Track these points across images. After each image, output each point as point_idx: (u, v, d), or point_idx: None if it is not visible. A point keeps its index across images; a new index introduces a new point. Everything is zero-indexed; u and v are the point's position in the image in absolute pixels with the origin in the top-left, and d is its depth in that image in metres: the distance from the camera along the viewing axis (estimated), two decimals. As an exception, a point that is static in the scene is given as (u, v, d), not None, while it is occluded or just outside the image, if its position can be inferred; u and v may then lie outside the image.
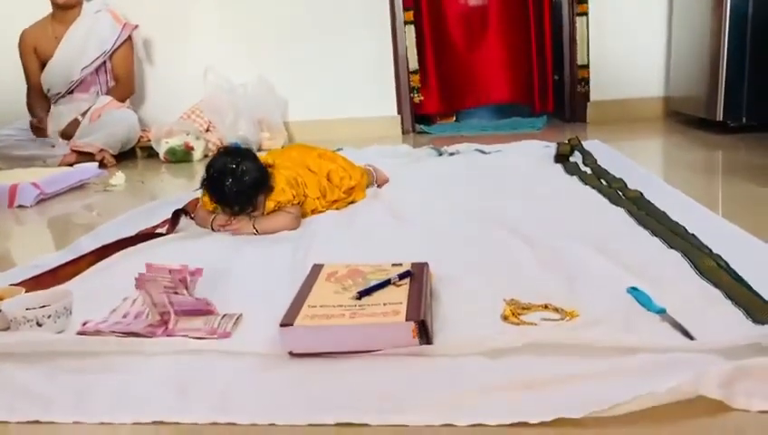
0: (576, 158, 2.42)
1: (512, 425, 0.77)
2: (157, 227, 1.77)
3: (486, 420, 0.78)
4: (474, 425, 0.78)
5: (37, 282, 1.32)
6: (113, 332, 1.08)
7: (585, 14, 3.49)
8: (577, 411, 0.77)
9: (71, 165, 3.03)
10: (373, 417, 0.80)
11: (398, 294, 1.08)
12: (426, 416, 0.79)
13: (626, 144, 2.72)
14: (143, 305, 1.16)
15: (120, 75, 3.55)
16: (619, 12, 3.50)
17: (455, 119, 4.11)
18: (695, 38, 3.04)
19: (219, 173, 1.63)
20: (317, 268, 1.24)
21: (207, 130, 3.39)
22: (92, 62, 3.48)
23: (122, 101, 3.52)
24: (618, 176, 2.02)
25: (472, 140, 3.02)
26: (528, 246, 1.39)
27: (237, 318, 1.11)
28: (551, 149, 2.63)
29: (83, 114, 3.42)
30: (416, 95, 3.76)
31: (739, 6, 2.69)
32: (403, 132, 3.75)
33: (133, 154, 3.52)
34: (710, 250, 1.28)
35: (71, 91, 3.53)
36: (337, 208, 1.89)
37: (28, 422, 0.86)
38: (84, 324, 1.12)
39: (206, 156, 3.33)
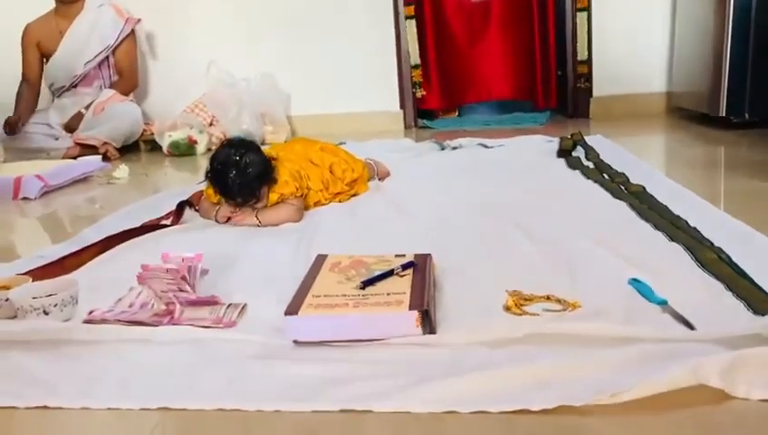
0: (579, 152, 2.42)
1: (514, 412, 0.78)
2: (161, 218, 1.78)
3: (489, 407, 0.79)
4: (476, 412, 0.79)
5: (44, 272, 1.33)
6: (119, 320, 1.09)
7: (585, 8, 3.49)
8: (578, 399, 0.78)
9: (74, 158, 3.04)
10: (377, 404, 0.81)
11: (402, 285, 1.09)
12: (429, 404, 0.80)
13: (628, 140, 2.72)
14: (148, 296, 1.17)
15: (124, 69, 3.56)
16: (622, 7, 3.50)
17: (457, 114, 4.11)
18: (698, 33, 3.04)
19: (223, 165, 1.64)
20: (321, 259, 1.25)
21: (211, 124, 3.40)
22: (95, 57, 3.48)
23: (126, 94, 3.53)
24: (620, 170, 2.02)
25: (474, 135, 3.03)
26: (530, 238, 1.40)
27: (242, 308, 1.12)
28: (553, 143, 2.64)
29: (87, 107, 3.43)
30: (417, 90, 3.76)
31: (743, 1, 2.69)
32: (405, 127, 3.76)
33: (136, 147, 3.53)
34: (711, 243, 1.29)
35: (74, 85, 3.54)
36: (340, 201, 1.90)
37: (36, 408, 0.87)
38: (90, 313, 1.13)
39: (209, 150, 3.34)
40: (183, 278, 1.11)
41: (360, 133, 3.34)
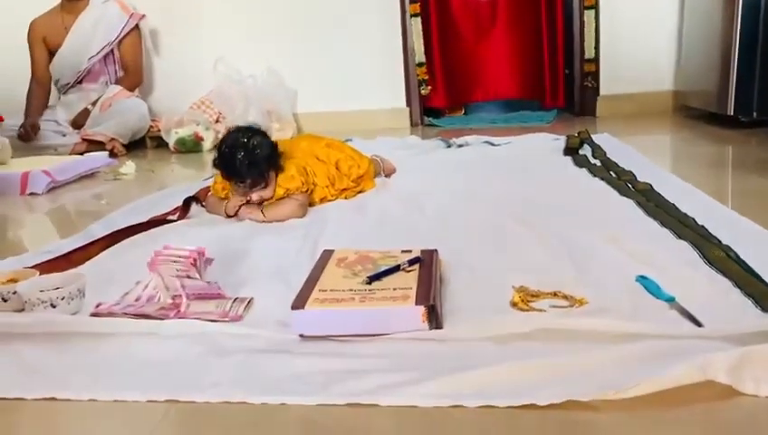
0: (585, 151, 2.41)
1: (520, 407, 0.78)
2: (168, 214, 1.79)
3: (495, 402, 0.79)
4: (483, 407, 0.78)
5: (51, 265, 1.33)
6: (126, 314, 1.09)
7: (593, 6, 3.47)
8: (585, 395, 0.78)
9: (81, 154, 3.05)
10: (383, 398, 0.81)
11: (408, 280, 1.09)
12: (435, 398, 0.80)
13: (636, 138, 2.71)
14: (155, 289, 1.17)
15: (129, 64, 3.57)
16: (630, 5, 3.49)
17: (463, 112, 4.10)
18: (706, 32, 3.03)
19: (231, 148, 1.65)
20: (327, 254, 1.25)
21: (217, 121, 3.41)
22: (99, 52, 3.49)
23: (131, 90, 3.54)
24: (627, 168, 2.01)
25: (481, 133, 3.02)
26: (537, 234, 1.40)
27: (249, 302, 1.12)
28: (560, 141, 2.63)
29: (93, 104, 3.44)
30: (423, 88, 3.75)
31: (751, 0, 2.67)
32: (411, 125, 3.76)
33: (143, 144, 3.53)
34: (719, 241, 1.28)
35: (80, 81, 3.55)
36: (346, 197, 1.90)
37: (44, 399, 0.87)
38: (97, 307, 1.13)
39: (215, 146, 3.33)
40: (193, 264, 1.11)
41: (366, 131, 3.34)
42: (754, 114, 2.74)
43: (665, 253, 1.24)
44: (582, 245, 1.31)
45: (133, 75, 3.58)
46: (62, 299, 1.12)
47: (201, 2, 3.73)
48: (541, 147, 2.60)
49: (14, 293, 1.14)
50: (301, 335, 0.99)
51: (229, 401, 0.83)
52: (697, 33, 3.16)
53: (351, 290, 1.06)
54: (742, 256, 1.18)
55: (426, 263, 1.16)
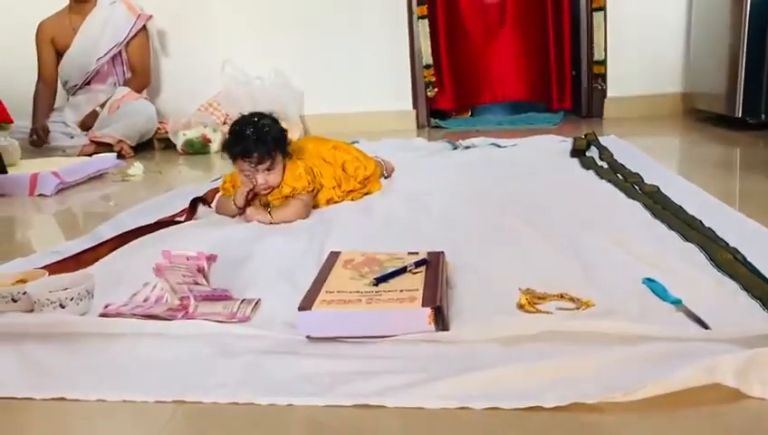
0: (592, 153, 2.41)
1: (527, 409, 0.78)
2: (176, 215, 1.79)
3: (502, 403, 0.79)
4: (489, 409, 0.79)
5: (60, 266, 1.34)
6: (134, 315, 1.10)
7: (602, 8, 3.47)
8: (592, 397, 0.78)
9: (89, 155, 3.07)
10: (390, 399, 0.81)
11: (415, 282, 1.09)
12: (442, 399, 0.80)
13: (643, 140, 2.70)
14: (163, 290, 1.18)
15: (136, 66, 3.59)
16: (637, 7, 3.48)
17: (470, 114, 4.10)
18: (714, 33, 3.02)
19: (241, 125, 1.70)
20: (334, 255, 1.25)
21: (224, 123, 3.42)
22: (107, 53, 3.52)
23: (139, 91, 3.56)
24: (634, 171, 2.01)
25: (487, 135, 3.03)
26: (543, 236, 1.40)
27: (256, 303, 1.13)
28: (567, 144, 2.63)
29: (102, 105, 3.47)
30: (429, 90, 3.76)
31: (759, 2, 2.67)
32: (418, 127, 3.76)
33: (151, 145, 3.55)
34: (726, 243, 1.28)
35: (88, 83, 3.57)
36: (353, 199, 1.91)
37: (53, 399, 0.88)
38: (106, 307, 1.14)
39: (223, 148, 3.36)
40: (199, 270, 1.11)
41: (373, 132, 3.35)
42: (762, 116, 2.73)
43: (672, 255, 1.24)
44: (589, 247, 1.31)
45: (141, 76, 3.60)
46: (71, 300, 1.12)
47: (209, 3, 3.75)
48: (547, 149, 2.59)
49: (24, 293, 1.15)
50: (308, 336, 0.99)
51: (237, 401, 0.84)
52: (705, 35, 3.15)
53: (358, 292, 1.06)
54: (749, 259, 1.18)
55: (432, 265, 1.16)
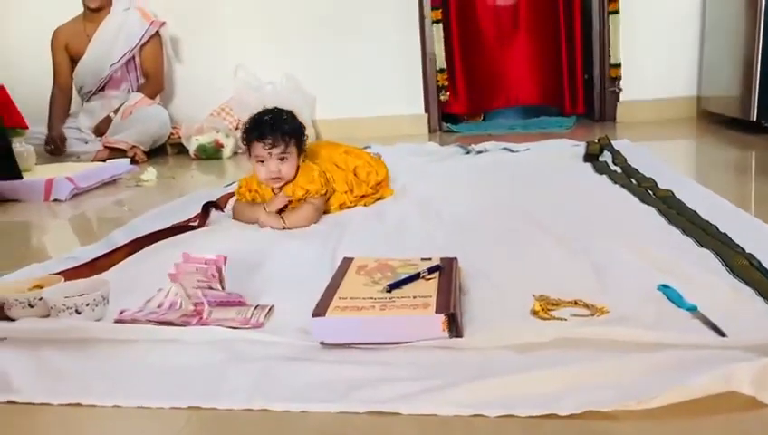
0: (605, 157, 2.40)
1: (541, 416, 0.78)
2: (189, 220, 1.80)
3: (516, 411, 0.79)
4: (504, 416, 0.78)
5: (76, 272, 1.35)
6: (149, 320, 1.11)
7: (617, 11, 3.46)
8: (607, 404, 0.77)
9: (103, 160, 3.09)
10: (404, 406, 0.81)
11: (428, 288, 1.09)
12: (456, 406, 0.80)
13: (656, 144, 2.69)
14: (177, 296, 1.19)
15: (150, 72, 3.62)
16: (650, 10, 3.47)
17: (482, 118, 4.10)
18: (728, 36, 3.00)
19: (260, 114, 1.76)
20: (347, 261, 1.25)
21: (236, 128, 3.43)
22: (120, 59, 3.55)
23: (152, 97, 3.58)
24: (648, 175, 2.00)
25: (499, 139, 3.02)
26: (557, 242, 1.40)
27: (269, 309, 1.13)
28: (580, 148, 2.62)
29: (115, 111, 3.49)
30: (443, 94, 3.76)
31: (774, 4, 2.65)
32: (430, 131, 3.76)
33: (163, 151, 3.58)
34: (742, 249, 1.27)
35: (102, 89, 3.60)
36: (365, 204, 1.91)
37: (69, 405, 0.88)
38: (121, 313, 1.15)
39: (235, 153, 3.39)
40: (214, 276, 1.12)
41: (385, 137, 3.35)
42: (777, 120, 2.71)
43: (687, 261, 1.23)
44: (603, 253, 1.30)
45: (154, 82, 3.62)
46: (87, 305, 1.13)
47: (221, 9, 3.77)
48: (560, 153, 2.59)
49: (41, 299, 1.16)
50: (321, 343, 1.00)
51: (251, 407, 0.84)
52: (719, 38, 3.14)
53: (372, 298, 1.06)
54: (765, 265, 1.17)
55: (445, 271, 1.16)
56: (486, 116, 4.13)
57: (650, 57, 3.50)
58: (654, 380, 0.82)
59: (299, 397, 0.85)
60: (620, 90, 3.54)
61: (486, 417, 0.79)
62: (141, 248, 1.53)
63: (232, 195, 1.96)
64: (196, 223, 1.77)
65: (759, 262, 1.18)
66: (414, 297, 1.05)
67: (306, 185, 1.74)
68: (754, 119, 2.75)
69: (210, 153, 3.33)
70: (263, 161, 1.71)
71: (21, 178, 2.48)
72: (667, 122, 3.38)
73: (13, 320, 1.15)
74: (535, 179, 2.15)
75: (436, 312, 0.98)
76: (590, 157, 2.40)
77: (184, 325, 1.08)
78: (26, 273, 1.44)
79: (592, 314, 1.03)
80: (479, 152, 2.76)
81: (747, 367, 0.79)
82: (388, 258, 1.25)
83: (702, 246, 1.32)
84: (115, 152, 3.29)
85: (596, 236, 1.41)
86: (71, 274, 1.33)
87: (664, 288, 1.10)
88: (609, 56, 3.52)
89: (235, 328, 1.06)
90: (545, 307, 1.05)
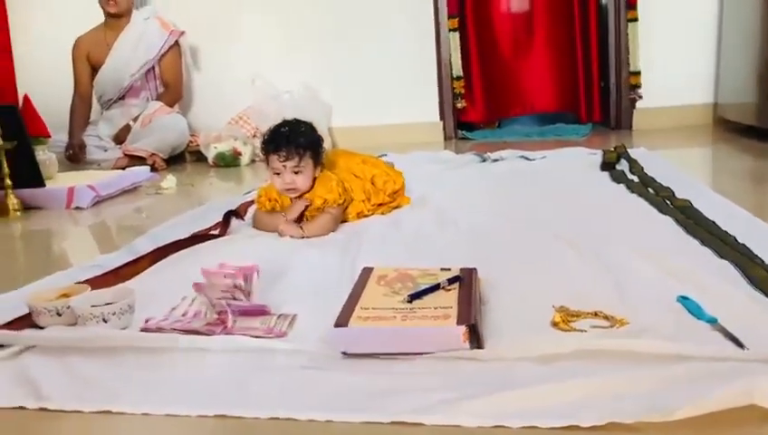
0: (622, 166, 2.40)
1: (564, 428, 0.79)
2: (210, 229, 1.83)
3: (538, 422, 0.79)
4: (526, 427, 0.79)
5: (101, 280, 1.38)
6: (174, 329, 1.13)
7: (636, 19, 3.45)
8: (629, 416, 0.78)
9: (123, 168, 3.13)
10: (427, 417, 0.82)
11: (448, 299, 1.10)
12: (479, 417, 0.81)
13: (673, 153, 2.69)
14: (201, 305, 1.21)
15: (169, 81, 3.66)
16: (667, 17, 3.46)
17: (497, 125, 4.11)
18: (745, 44, 2.99)
19: (278, 125, 1.78)
20: (367, 271, 1.27)
21: (254, 136, 3.47)
22: (140, 68, 3.59)
23: (171, 105, 3.62)
24: (665, 184, 2.00)
25: (515, 147, 3.03)
26: (576, 253, 1.40)
27: (292, 319, 1.15)
28: (596, 156, 2.62)
29: (135, 119, 3.54)
30: (459, 101, 3.77)
31: (792, 12, 2.64)
32: (445, 138, 3.78)
33: (182, 158, 3.62)
34: (762, 260, 1.27)
35: (122, 97, 3.65)
36: (382, 213, 1.93)
37: (99, 412, 0.90)
38: (147, 322, 1.17)
39: (253, 161, 3.42)
40: (237, 287, 1.14)
41: (400, 144, 3.37)
42: (796, 128, 2.70)
43: (706, 272, 1.23)
44: (622, 263, 1.30)
45: (173, 91, 3.67)
46: (114, 314, 1.16)
47: (239, 19, 3.81)
48: (577, 162, 2.59)
49: (68, 307, 1.18)
50: (343, 353, 1.01)
51: (277, 416, 0.86)
52: (736, 46, 3.13)
53: (393, 308, 1.07)
54: (785, 276, 1.17)
55: (465, 282, 1.17)
56: (502, 123, 4.14)
57: (667, 64, 3.49)
58: (675, 392, 0.82)
59: (323, 406, 0.86)
60: (640, 97, 3.53)
61: (508, 428, 0.80)
62: (164, 257, 1.55)
63: (251, 203, 1.99)
64: (217, 232, 1.79)
65: (779, 273, 1.19)
66: (435, 308, 1.06)
67: (324, 194, 1.76)
68: (772, 127, 2.74)
69: (228, 161, 3.37)
70: (278, 173, 1.74)
71: (44, 185, 2.51)
72: (684, 130, 3.38)
73: (41, 328, 1.17)
74: (552, 188, 2.15)
75: (458, 323, 1.00)
76: (607, 165, 2.41)
77: (209, 334, 1.10)
78: (51, 281, 1.47)
79: (612, 326, 1.04)
80: (495, 160, 2.77)
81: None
82: (408, 268, 1.26)
83: (721, 256, 1.32)
84: (134, 160, 3.33)
85: (614, 246, 1.41)
86: (96, 282, 1.36)
87: (683, 300, 1.10)
88: (628, 63, 3.51)
89: (258, 337, 1.07)
90: (565, 319, 1.06)
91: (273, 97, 3.59)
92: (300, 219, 1.78)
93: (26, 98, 2.70)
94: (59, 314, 1.18)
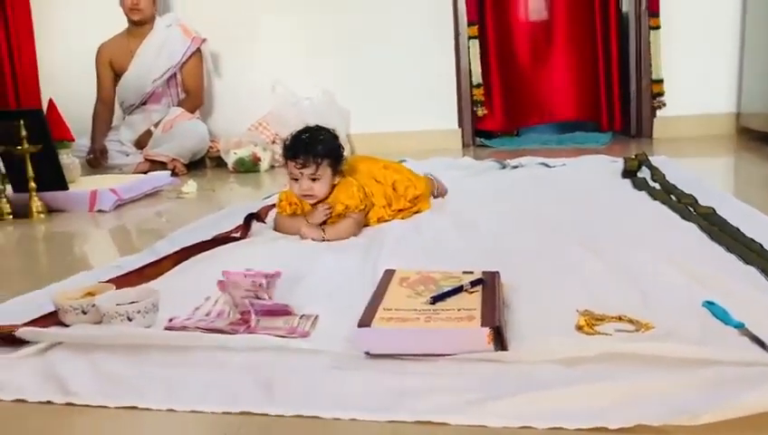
0: (644, 173, 2.39)
1: (590, 429, 0.78)
2: (231, 232, 1.84)
3: (565, 424, 0.79)
4: (552, 428, 0.79)
5: (125, 280, 1.39)
6: (198, 328, 1.14)
7: (659, 27, 3.44)
8: (657, 419, 0.77)
9: (144, 173, 3.16)
10: (453, 417, 0.82)
11: (472, 301, 1.10)
12: (505, 418, 0.81)
13: (695, 161, 2.67)
14: (224, 305, 1.21)
15: (190, 87, 3.70)
16: (688, 25, 3.45)
17: (516, 133, 4.10)
18: (768, 53, 2.97)
19: (300, 131, 1.78)
20: (389, 273, 1.27)
21: (273, 142, 3.49)
22: (162, 75, 3.63)
23: (192, 112, 3.66)
24: (688, 192, 1.98)
25: (534, 154, 3.02)
26: (599, 257, 1.39)
27: (314, 319, 1.15)
28: (617, 164, 2.61)
29: (156, 125, 3.58)
30: (479, 108, 3.77)
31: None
32: (463, 146, 3.78)
33: (202, 164, 3.65)
34: (789, 267, 1.26)
35: (143, 103, 3.69)
36: (402, 218, 1.93)
37: (125, 408, 0.91)
38: (170, 321, 1.18)
39: (272, 166, 3.44)
40: (261, 285, 1.14)
41: (418, 151, 3.37)
42: (820, 137, 2.67)
43: (731, 278, 1.22)
44: (646, 269, 1.30)
45: (194, 98, 3.70)
46: (138, 313, 1.17)
47: (259, 27, 3.85)
48: (598, 169, 2.58)
49: (93, 306, 1.20)
50: (366, 353, 1.01)
51: (301, 414, 0.86)
52: (759, 54, 3.10)
53: (416, 310, 1.07)
54: (813, 283, 1.16)
55: (488, 285, 1.17)
56: (520, 131, 4.13)
57: (688, 73, 3.47)
58: (703, 396, 0.82)
59: (348, 405, 0.86)
60: (663, 105, 3.51)
61: (535, 429, 0.79)
62: (187, 258, 1.56)
63: (272, 206, 2.00)
64: (238, 234, 1.80)
65: (806, 280, 1.17)
66: (458, 310, 1.06)
67: (346, 200, 1.77)
68: (796, 136, 2.71)
69: (248, 166, 3.39)
70: (296, 179, 1.75)
71: (67, 189, 2.55)
72: (705, 139, 3.35)
73: (67, 326, 1.19)
74: (573, 194, 2.14)
75: (482, 325, 0.99)
76: (629, 173, 2.39)
77: (232, 333, 1.10)
78: (76, 281, 1.48)
79: (637, 330, 1.03)
80: (515, 167, 2.77)
81: (799, 385, 0.79)
82: (430, 271, 1.26)
83: (747, 263, 1.31)
84: (155, 165, 3.37)
85: (638, 251, 1.40)
86: (120, 281, 1.37)
87: (709, 305, 1.09)
88: (650, 71, 3.50)
89: (282, 337, 1.08)
90: (590, 322, 1.06)
91: (293, 103, 3.62)
92: (321, 223, 1.78)
93: (51, 102, 2.74)
94: (84, 313, 1.20)
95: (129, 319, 1.16)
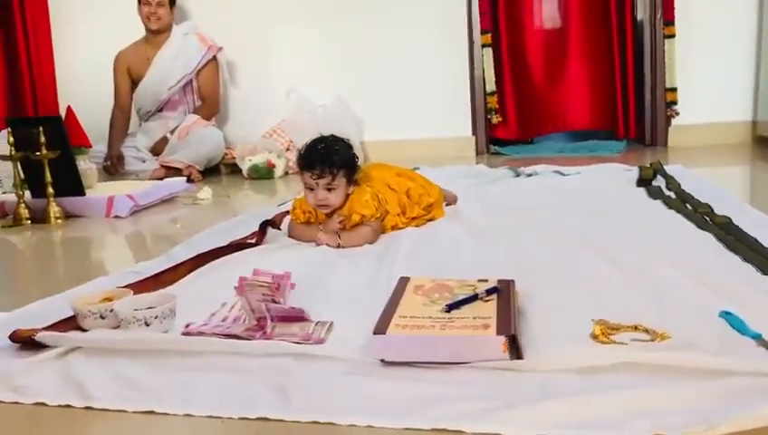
0: (659, 182, 2.38)
1: (607, 439, 0.78)
2: (246, 238, 1.86)
3: (581, 433, 0.79)
4: (568, 437, 0.79)
5: (142, 286, 1.41)
6: (215, 333, 1.14)
7: (673, 36, 3.43)
8: (673, 429, 0.77)
9: (160, 179, 3.19)
10: (469, 424, 0.82)
11: (487, 309, 1.10)
12: (520, 427, 0.81)
13: (710, 170, 2.65)
14: (240, 310, 1.22)
15: (206, 95, 3.73)
16: (704, 33, 3.43)
17: (530, 140, 4.09)
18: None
19: (316, 141, 1.78)
20: (404, 281, 1.27)
21: (288, 149, 3.51)
22: (178, 82, 3.68)
23: (208, 119, 3.69)
24: (703, 201, 1.98)
25: (548, 162, 3.02)
26: (614, 266, 1.39)
27: (330, 326, 1.16)
28: (632, 172, 2.60)
29: (172, 132, 3.61)
30: (493, 116, 3.77)
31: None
32: (477, 153, 3.78)
33: (218, 170, 3.68)
34: (807, 277, 1.25)
35: (160, 110, 3.74)
36: (416, 226, 1.93)
37: (143, 412, 0.92)
38: (187, 326, 1.19)
39: (286, 173, 3.46)
40: (277, 288, 1.15)
41: (432, 158, 3.38)
42: (838, 146, 2.65)
43: (748, 288, 1.22)
44: (661, 278, 1.29)
45: (210, 105, 3.74)
46: (156, 318, 1.18)
47: (274, 35, 3.88)
48: (612, 177, 2.57)
49: (111, 311, 1.21)
50: (382, 360, 1.01)
51: (318, 421, 0.86)
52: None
53: (431, 317, 1.08)
54: (832, 294, 1.15)
55: (503, 293, 1.17)
56: (534, 139, 4.12)
57: (704, 81, 3.46)
58: (720, 406, 0.81)
59: (364, 412, 0.87)
60: (677, 114, 3.50)
61: (550, 438, 0.79)
62: (203, 264, 1.57)
63: (287, 213, 2.01)
64: (253, 241, 1.81)
65: (825, 291, 1.16)
66: (474, 318, 1.06)
67: (361, 210, 1.77)
68: (814, 145, 2.69)
69: (262, 173, 3.41)
70: (312, 188, 1.76)
71: (84, 194, 2.58)
72: (721, 148, 3.33)
73: (85, 330, 1.20)
74: (588, 202, 2.14)
75: (498, 333, 1.00)
76: (644, 181, 2.38)
77: (249, 339, 1.11)
78: (94, 286, 1.50)
79: (653, 340, 1.03)
80: (529, 175, 2.77)
81: (818, 396, 0.78)
82: (445, 279, 1.27)
83: (764, 273, 1.30)
84: (171, 171, 3.40)
85: (653, 260, 1.40)
86: (138, 287, 1.38)
87: (726, 315, 1.09)
88: (665, 80, 3.48)
89: (297, 343, 1.08)
90: (605, 331, 1.05)
91: (308, 111, 3.64)
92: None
93: (69, 109, 2.77)
94: (102, 318, 1.21)
95: (147, 324, 1.17)
